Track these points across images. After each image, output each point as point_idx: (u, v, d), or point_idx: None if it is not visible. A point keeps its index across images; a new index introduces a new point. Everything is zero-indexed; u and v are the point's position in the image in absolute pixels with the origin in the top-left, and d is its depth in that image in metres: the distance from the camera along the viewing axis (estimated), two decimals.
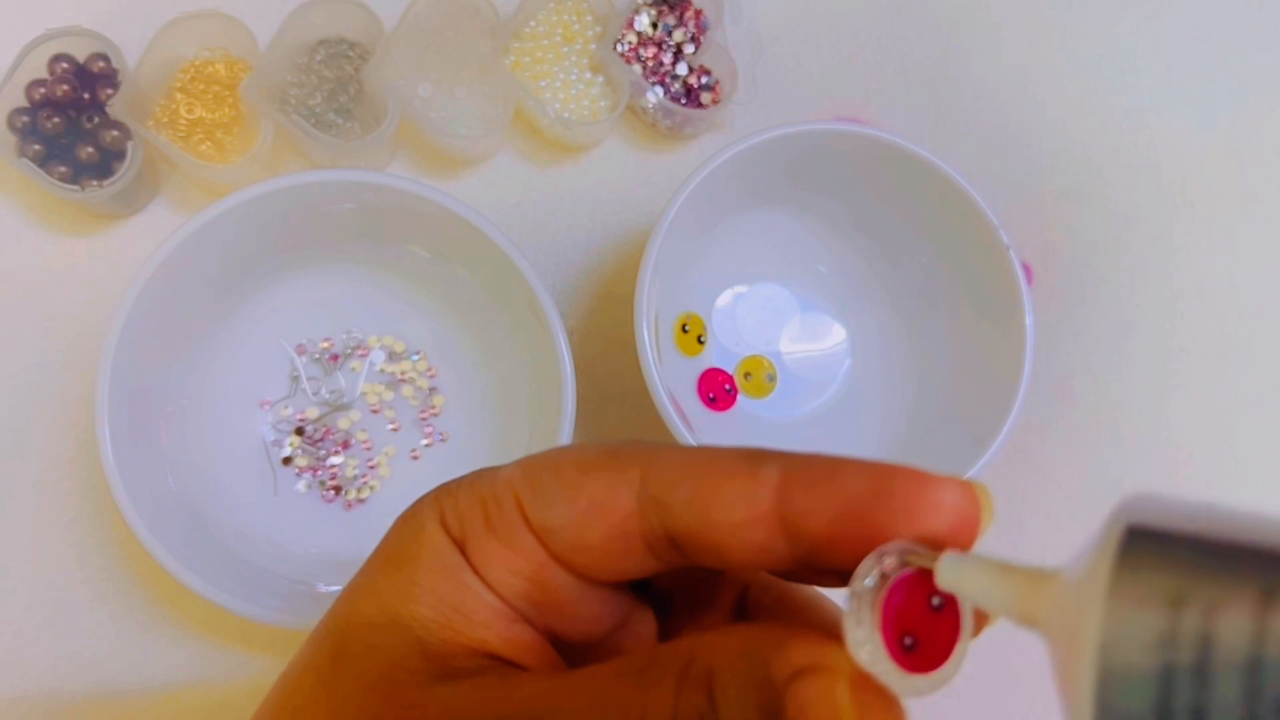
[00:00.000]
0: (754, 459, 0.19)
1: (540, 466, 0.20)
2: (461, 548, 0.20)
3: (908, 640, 0.17)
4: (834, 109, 0.54)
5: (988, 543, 0.19)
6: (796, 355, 0.51)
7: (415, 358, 0.48)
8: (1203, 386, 0.54)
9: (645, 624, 0.23)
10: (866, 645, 0.17)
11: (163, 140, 0.46)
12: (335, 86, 0.48)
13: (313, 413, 0.47)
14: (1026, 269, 0.50)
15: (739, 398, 0.50)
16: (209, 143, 0.48)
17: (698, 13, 0.52)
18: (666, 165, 0.53)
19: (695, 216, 0.44)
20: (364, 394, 0.47)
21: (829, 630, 0.17)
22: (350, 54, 0.49)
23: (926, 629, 0.17)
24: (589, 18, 0.52)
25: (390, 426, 0.47)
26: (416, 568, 0.20)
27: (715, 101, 0.51)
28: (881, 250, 0.50)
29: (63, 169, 0.46)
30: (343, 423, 0.47)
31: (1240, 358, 0.55)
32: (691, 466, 0.19)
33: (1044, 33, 0.57)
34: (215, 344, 0.46)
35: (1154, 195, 0.56)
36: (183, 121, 0.47)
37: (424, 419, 0.47)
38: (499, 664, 0.20)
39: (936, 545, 0.18)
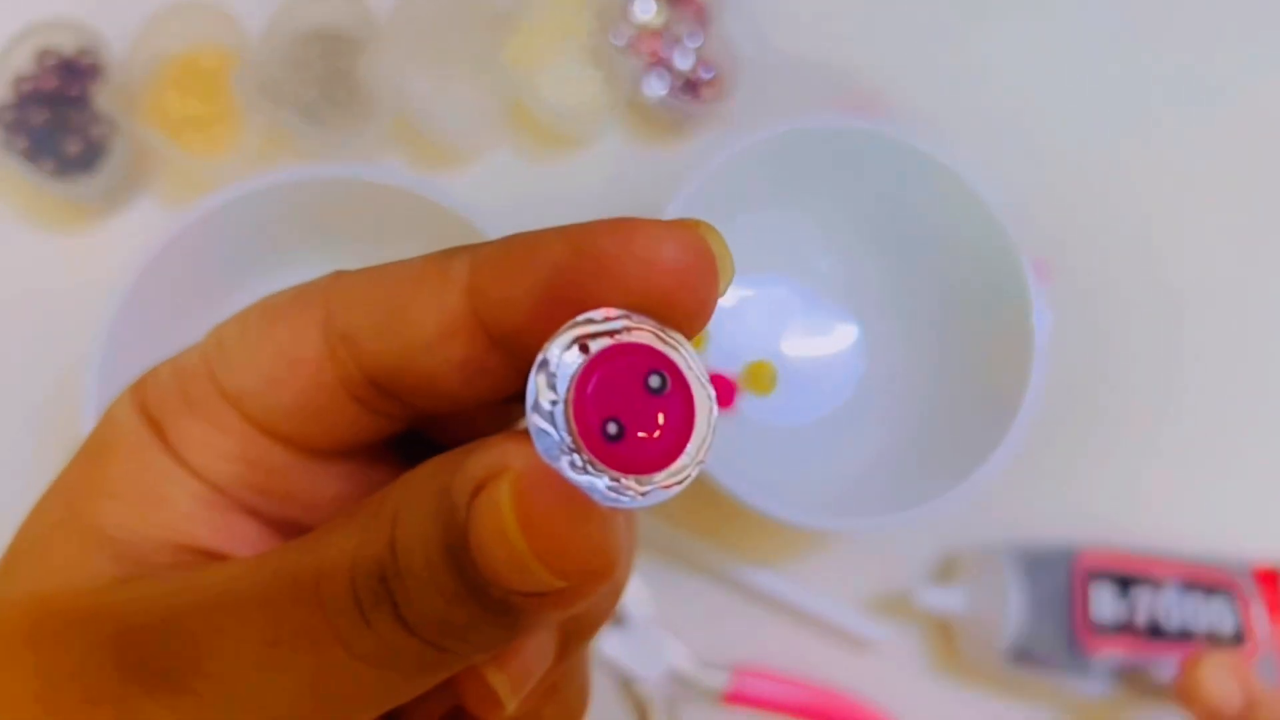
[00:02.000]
0: (440, 259, 0.16)
1: (229, 324, 0.18)
2: (160, 432, 0.17)
3: (611, 428, 0.13)
4: (839, 101, 0.53)
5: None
6: (800, 357, 0.50)
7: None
8: (1211, 386, 0.53)
9: None
10: (552, 433, 0.13)
11: (152, 134, 0.45)
12: (328, 79, 0.48)
13: None
14: (1043, 266, 0.50)
15: (742, 399, 0.49)
16: (199, 137, 0.47)
17: (699, 3, 0.51)
18: (667, 159, 0.52)
19: (697, 213, 0.43)
20: None
21: (522, 434, 0.14)
22: (343, 47, 0.48)
23: (640, 415, 0.13)
24: (588, 10, 0.51)
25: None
26: (108, 458, 0.17)
27: (717, 95, 0.50)
28: (888, 248, 0.49)
29: (50, 163, 0.45)
30: None
31: (1250, 357, 0.54)
32: (374, 286, 0.16)
33: (1055, 27, 0.56)
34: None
35: (1163, 195, 0.55)
36: (172, 115, 0.47)
37: None
38: (203, 558, 0.17)
39: (663, 311, 0.14)
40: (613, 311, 0.14)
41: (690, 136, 0.52)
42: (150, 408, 0.18)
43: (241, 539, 0.17)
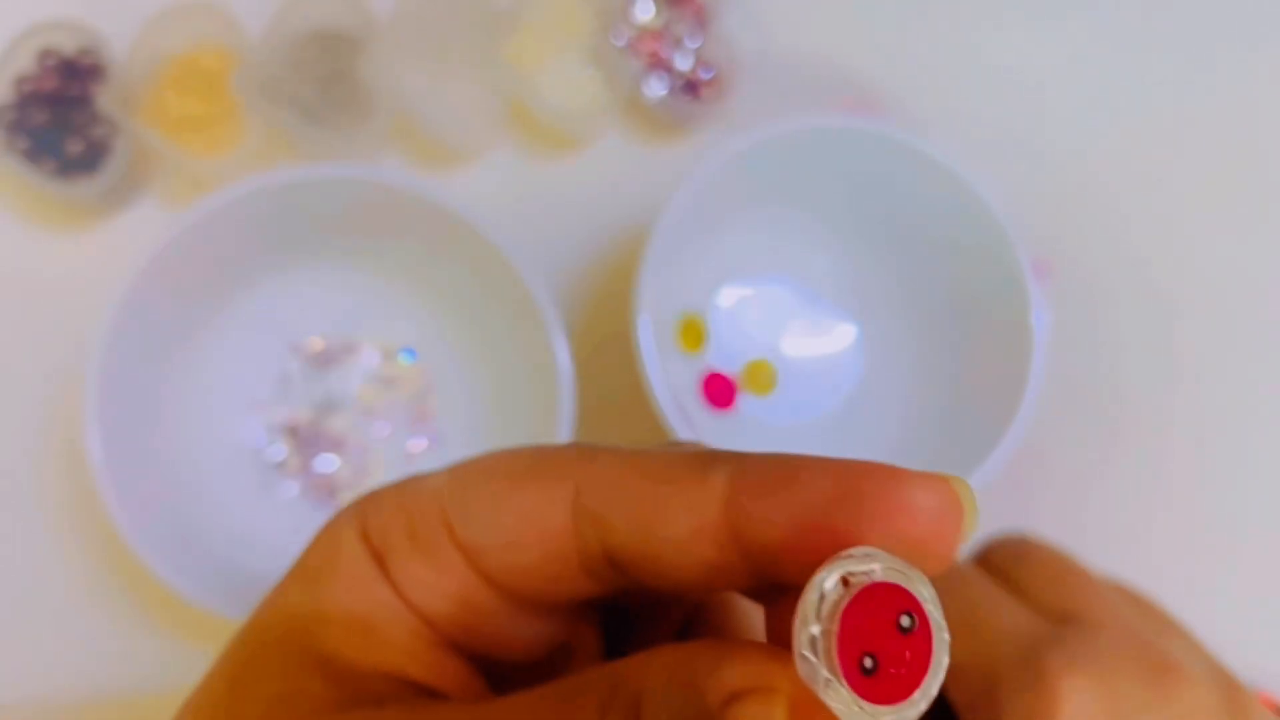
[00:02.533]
0: (701, 463, 0.17)
1: (469, 476, 0.18)
2: (381, 563, 0.18)
3: (868, 663, 0.14)
4: (839, 101, 0.53)
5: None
6: (799, 356, 0.50)
7: (409, 357, 0.47)
8: (1209, 388, 0.54)
9: (589, 647, 0.21)
10: (817, 666, 0.14)
11: (152, 135, 0.45)
12: (327, 79, 0.48)
13: (304, 414, 0.46)
14: (1044, 265, 0.50)
15: (741, 398, 0.49)
16: (199, 137, 0.47)
17: (699, 3, 0.51)
18: (667, 159, 0.52)
19: (697, 213, 0.44)
20: (357, 395, 0.46)
21: (778, 650, 0.15)
22: (342, 47, 0.48)
23: (892, 652, 0.15)
24: (588, 9, 0.51)
25: (383, 428, 0.46)
26: (329, 582, 0.18)
27: (717, 94, 0.50)
28: (887, 248, 0.49)
29: (50, 164, 0.45)
30: (335, 424, 0.46)
31: (1249, 359, 0.54)
32: (630, 476, 0.17)
33: (1055, 26, 0.56)
34: (205, 343, 0.45)
35: (1162, 195, 0.55)
36: (172, 115, 0.47)
37: (417, 420, 0.47)
38: (414, 691, 0.18)
39: (913, 554, 0.15)
40: (870, 550, 0.15)
41: (690, 136, 0.52)
42: (373, 537, 0.18)
43: (446, 674, 0.18)
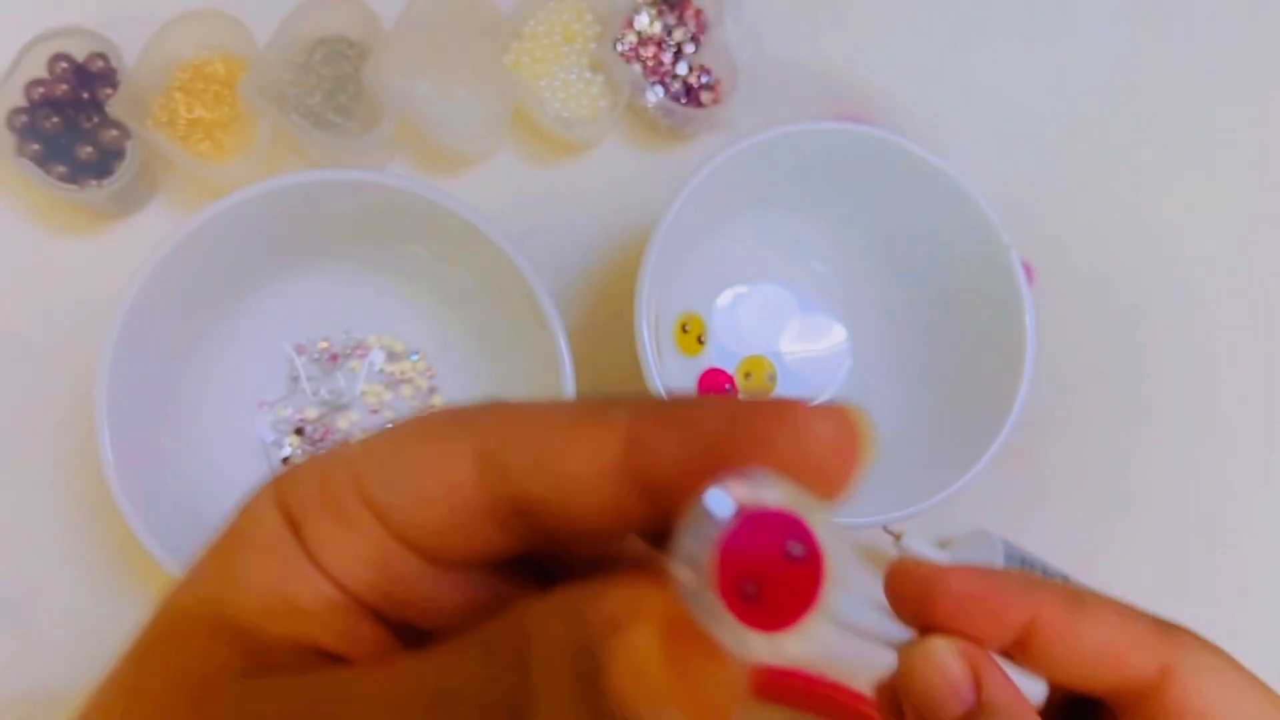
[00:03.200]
0: (601, 406, 0.17)
1: (380, 440, 0.18)
2: (298, 533, 0.18)
3: (749, 589, 0.14)
4: (834, 108, 0.54)
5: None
6: (797, 355, 0.51)
7: (415, 357, 0.48)
8: (1201, 386, 0.54)
9: None
10: (695, 589, 0.14)
11: (161, 139, 0.46)
12: (334, 85, 0.48)
13: (311, 413, 0.47)
14: (1028, 269, 0.50)
15: (740, 398, 0.49)
16: (208, 142, 0.47)
17: (698, 11, 0.52)
18: (666, 164, 0.53)
19: (696, 216, 0.44)
20: (363, 394, 0.47)
21: (664, 578, 0.15)
22: (349, 53, 0.49)
23: (776, 580, 0.14)
24: (589, 16, 0.51)
25: (389, 427, 0.47)
26: (243, 553, 0.18)
27: (715, 101, 0.51)
28: (881, 249, 0.50)
29: (62, 168, 0.46)
30: (342, 423, 0.47)
31: (1242, 355, 0.55)
32: (533, 422, 0.17)
33: (1044, 32, 0.57)
34: (214, 344, 0.45)
35: (1154, 195, 0.56)
36: (181, 120, 0.47)
37: None
38: (325, 660, 0.18)
39: (811, 481, 0.15)
40: (762, 475, 0.15)
41: (689, 141, 0.53)
42: (290, 507, 0.18)
43: (361, 643, 0.18)
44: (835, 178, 0.47)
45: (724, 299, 0.50)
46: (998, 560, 0.45)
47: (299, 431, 0.46)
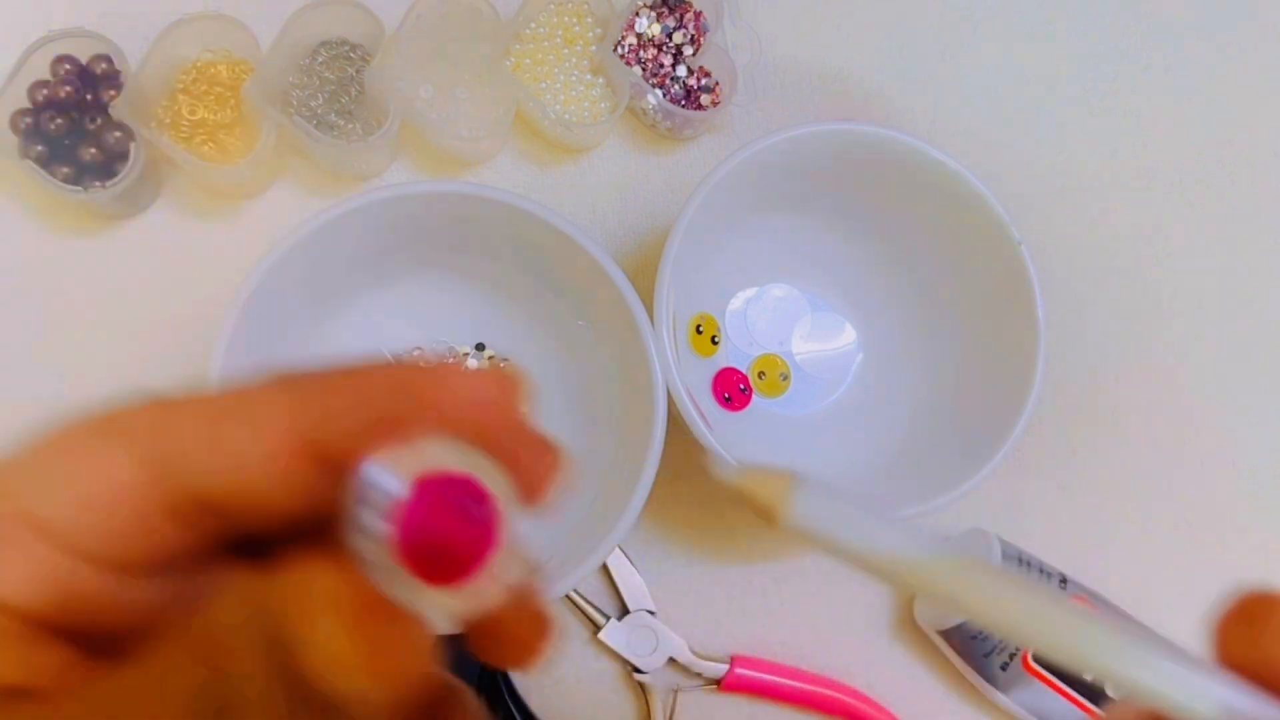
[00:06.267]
0: (264, 390, 0.17)
1: (35, 454, 0.17)
2: None
3: (430, 551, 0.15)
4: (833, 110, 0.55)
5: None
6: (808, 355, 0.51)
7: (502, 364, 0.48)
8: (1201, 385, 0.55)
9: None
10: (377, 559, 0.14)
11: (165, 141, 0.46)
12: (337, 88, 0.49)
13: None
14: None
15: (754, 397, 0.50)
16: (211, 144, 0.48)
17: (697, 14, 0.52)
18: (666, 167, 0.53)
19: (709, 219, 0.45)
20: None
21: (347, 550, 0.15)
22: (352, 55, 0.49)
23: (453, 536, 0.15)
24: (589, 19, 0.52)
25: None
26: None
27: (715, 103, 0.51)
28: (891, 248, 0.50)
29: (66, 170, 0.46)
30: None
31: (1239, 355, 0.55)
32: (192, 411, 0.17)
33: (1043, 32, 0.58)
34: (310, 355, 0.46)
35: (1152, 195, 0.57)
36: (185, 122, 0.47)
37: None
38: (10, 694, 0.17)
39: (471, 435, 0.16)
40: (433, 439, 0.15)
41: (689, 144, 0.53)
42: None
43: (46, 669, 0.17)
44: (846, 178, 0.47)
45: (736, 300, 0.51)
46: (994, 559, 0.45)
47: None
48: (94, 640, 0.18)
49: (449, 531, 0.15)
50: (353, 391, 0.16)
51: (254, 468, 0.16)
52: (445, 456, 0.15)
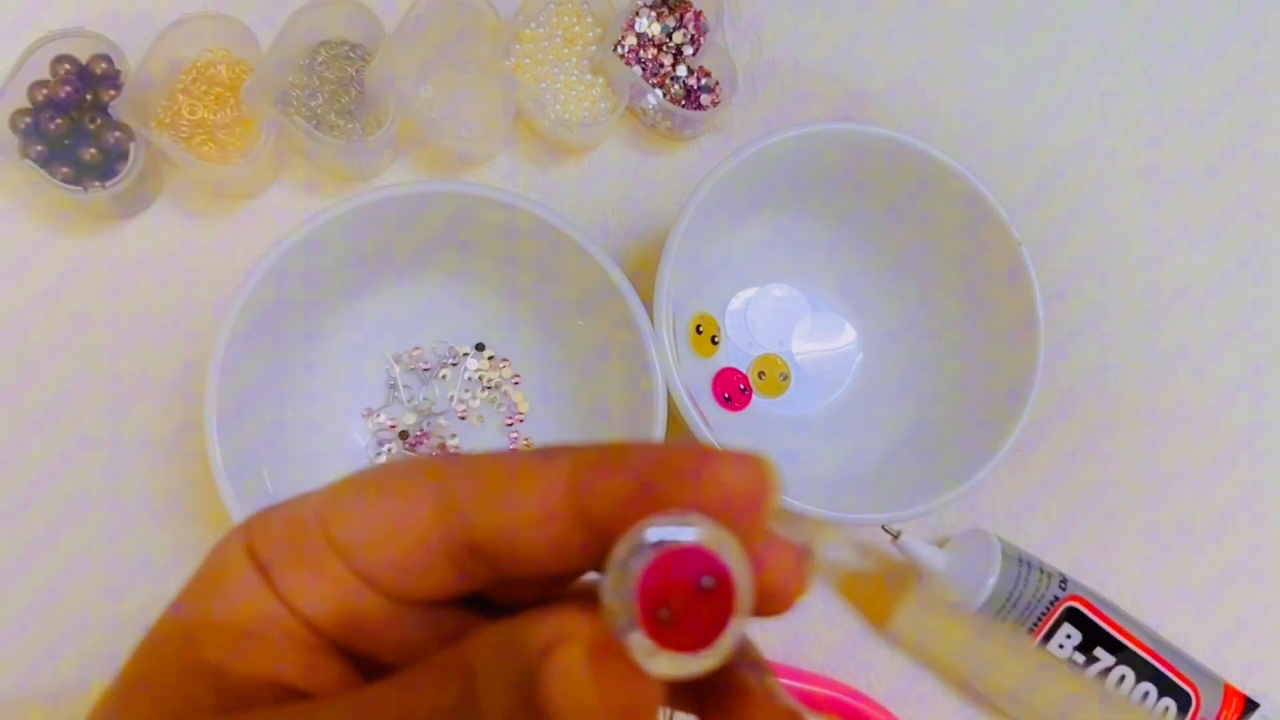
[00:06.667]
0: (546, 454, 0.19)
1: (345, 485, 0.20)
2: (266, 574, 0.20)
3: (664, 614, 0.16)
4: (833, 110, 0.55)
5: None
6: (808, 355, 0.51)
7: (501, 365, 0.48)
8: (1201, 385, 0.55)
9: None
10: (619, 612, 0.16)
11: (165, 141, 0.46)
12: (337, 88, 0.49)
13: (410, 418, 0.47)
14: None
15: (754, 397, 0.50)
16: (211, 144, 0.48)
17: (697, 14, 0.52)
18: (666, 166, 0.53)
19: (709, 219, 0.45)
20: (451, 400, 0.48)
21: (593, 606, 0.17)
22: (351, 55, 0.49)
23: (689, 607, 0.16)
24: (589, 19, 0.52)
25: (480, 432, 0.48)
26: (214, 595, 0.20)
27: (715, 103, 0.51)
28: (891, 248, 0.50)
29: (65, 170, 0.46)
30: (435, 429, 0.48)
31: (1239, 355, 0.55)
32: (487, 468, 0.19)
33: (1043, 33, 0.58)
34: (310, 354, 0.46)
35: (1151, 195, 0.57)
36: (185, 122, 0.47)
37: (509, 425, 0.48)
38: (288, 695, 0.19)
39: (726, 520, 0.17)
40: (683, 514, 0.17)
41: (689, 143, 0.53)
42: (259, 550, 0.20)
43: (325, 679, 0.20)
44: (847, 178, 0.47)
45: (736, 300, 0.51)
46: (994, 558, 0.45)
47: (403, 435, 0.47)
48: (361, 663, 0.20)
49: (687, 605, 0.16)
50: (624, 466, 0.18)
51: (533, 526, 0.18)
52: (697, 534, 0.17)
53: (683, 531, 0.17)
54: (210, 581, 0.20)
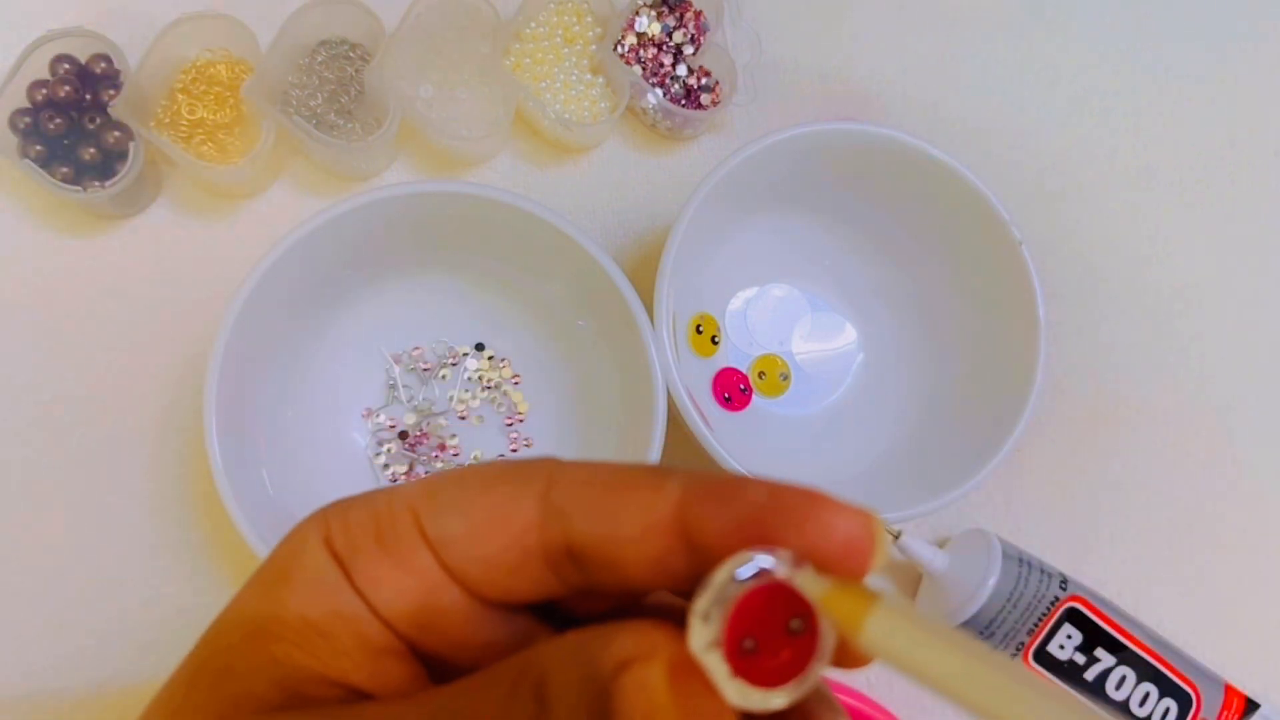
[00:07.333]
0: (658, 472, 0.19)
1: (443, 480, 0.20)
2: (346, 567, 0.19)
3: (749, 644, 0.17)
4: (833, 109, 0.55)
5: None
6: (809, 355, 0.51)
7: (501, 364, 0.48)
8: (1201, 384, 0.55)
9: None
10: (704, 632, 0.16)
11: (164, 141, 0.46)
12: (336, 87, 0.49)
13: (410, 418, 0.47)
14: None
15: (754, 397, 0.50)
16: (210, 144, 0.48)
17: (697, 14, 0.52)
18: (666, 166, 0.53)
19: (709, 219, 0.45)
20: (451, 400, 0.48)
21: (670, 625, 0.17)
22: (351, 55, 0.49)
23: (774, 644, 0.17)
24: (589, 19, 0.52)
25: (479, 433, 0.48)
26: (286, 588, 0.19)
27: (715, 103, 0.51)
28: (892, 248, 0.50)
29: (65, 170, 0.46)
30: (434, 428, 0.48)
31: (1239, 355, 0.55)
32: (596, 477, 0.19)
33: (1043, 32, 0.58)
34: (309, 354, 0.46)
35: (1151, 195, 0.57)
36: (184, 122, 0.47)
37: (509, 425, 0.48)
38: (353, 695, 0.19)
39: (828, 569, 0.17)
40: (783, 553, 0.17)
41: (689, 143, 0.53)
42: (337, 542, 0.19)
43: (389, 680, 0.19)
44: (847, 177, 0.47)
45: (736, 300, 0.51)
46: (994, 559, 0.45)
47: (403, 435, 0.47)
48: (435, 667, 0.20)
49: (773, 641, 0.17)
50: (735, 497, 0.18)
51: (637, 540, 0.18)
52: (798, 576, 0.17)
53: (785, 570, 0.17)
54: (283, 573, 0.19)
